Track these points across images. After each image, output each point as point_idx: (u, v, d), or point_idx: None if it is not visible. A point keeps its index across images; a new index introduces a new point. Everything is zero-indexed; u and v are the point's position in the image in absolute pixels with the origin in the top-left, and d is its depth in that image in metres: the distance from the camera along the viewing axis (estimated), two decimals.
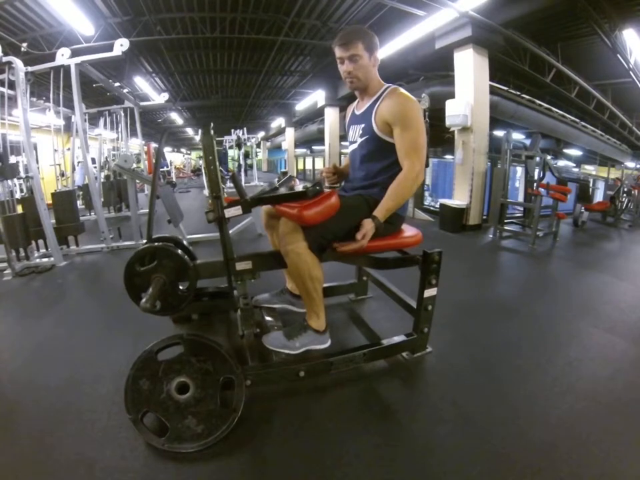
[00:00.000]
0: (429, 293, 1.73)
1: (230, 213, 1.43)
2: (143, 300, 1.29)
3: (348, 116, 1.86)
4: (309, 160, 17.98)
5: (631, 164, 11.92)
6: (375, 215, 1.51)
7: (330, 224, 1.50)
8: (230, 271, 1.54)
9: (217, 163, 1.39)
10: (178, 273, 1.47)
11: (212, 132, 1.38)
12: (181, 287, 1.51)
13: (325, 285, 1.93)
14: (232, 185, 1.55)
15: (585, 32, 5.58)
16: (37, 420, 1.44)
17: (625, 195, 6.40)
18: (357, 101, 1.80)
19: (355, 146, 1.73)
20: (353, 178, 1.78)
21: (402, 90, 1.59)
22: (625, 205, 6.44)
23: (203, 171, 11.22)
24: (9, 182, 3.49)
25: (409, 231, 1.76)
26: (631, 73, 6.26)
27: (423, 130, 1.56)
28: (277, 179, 1.61)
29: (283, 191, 1.52)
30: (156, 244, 1.49)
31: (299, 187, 1.56)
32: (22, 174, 3.83)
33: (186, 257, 1.49)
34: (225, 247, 1.50)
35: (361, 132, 1.67)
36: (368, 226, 1.48)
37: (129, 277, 1.46)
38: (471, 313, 2.44)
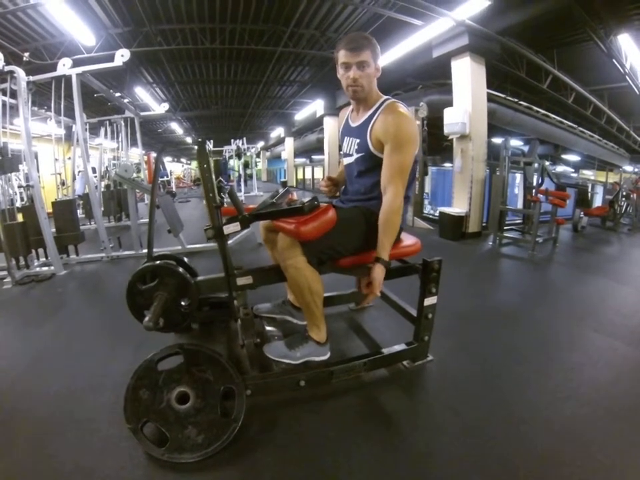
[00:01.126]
0: (429, 301, 1.73)
1: (229, 229, 1.44)
2: (146, 319, 1.30)
3: (341, 123, 1.81)
4: (308, 169, 18.05)
5: (629, 168, 11.97)
6: (379, 257, 1.49)
7: (328, 238, 1.49)
8: (231, 287, 1.54)
9: (214, 179, 1.40)
10: (179, 290, 1.49)
11: (208, 148, 1.40)
12: (182, 303, 1.52)
13: (325, 295, 1.93)
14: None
15: (580, 38, 5.65)
16: (37, 429, 1.43)
17: (623, 199, 6.43)
18: (350, 108, 1.75)
19: (350, 160, 1.69)
20: (350, 190, 1.77)
21: (399, 106, 1.55)
22: (624, 209, 6.46)
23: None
24: (10, 190, 3.51)
25: (407, 240, 1.76)
26: (626, 77, 6.32)
27: (414, 151, 1.53)
28: (277, 191, 1.62)
29: (281, 205, 1.53)
30: (157, 262, 1.50)
31: (297, 198, 1.57)
32: (22, 182, 3.85)
33: (187, 274, 1.50)
34: (225, 263, 1.50)
35: (356, 147, 1.64)
36: (376, 275, 1.47)
37: (131, 295, 1.48)
38: (471, 320, 2.43)
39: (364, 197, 1.67)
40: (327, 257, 1.55)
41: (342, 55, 1.51)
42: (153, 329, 1.30)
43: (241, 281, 1.57)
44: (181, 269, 1.49)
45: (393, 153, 1.49)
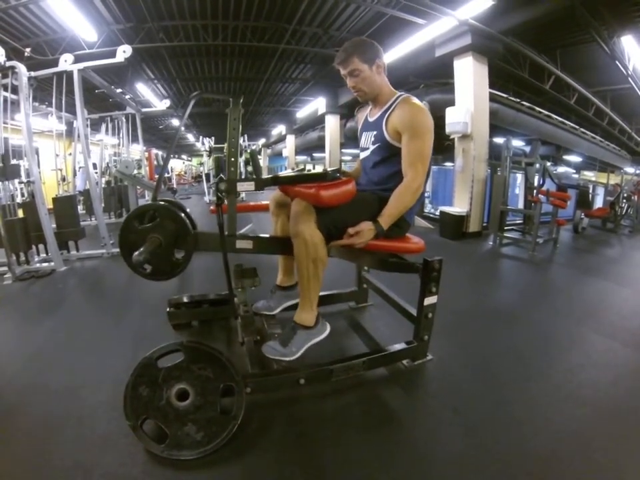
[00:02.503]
0: (429, 300, 1.73)
1: (243, 187, 1.43)
2: (136, 253, 1.27)
3: (360, 122, 1.87)
4: (309, 167, 18.00)
5: (630, 169, 11.96)
6: (377, 220, 1.51)
7: (342, 211, 1.50)
8: (228, 247, 1.52)
9: (240, 129, 1.43)
10: (176, 237, 1.46)
11: (240, 108, 1.42)
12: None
13: (325, 293, 1.94)
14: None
15: (583, 39, 5.63)
16: (36, 425, 1.43)
17: (624, 200, 6.42)
18: (369, 107, 1.82)
19: (367, 153, 1.74)
20: (365, 182, 1.78)
21: (414, 99, 1.61)
22: (624, 211, 6.45)
23: (204, 177, 11.18)
24: (10, 186, 3.50)
25: (413, 238, 1.75)
26: (629, 78, 6.30)
27: (430, 140, 1.57)
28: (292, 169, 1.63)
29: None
30: (160, 202, 1.47)
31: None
32: (23, 178, 3.84)
33: (187, 222, 1.48)
34: (230, 222, 1.49)
35: (373, 139, 1.69)
36: (365, 226, 1.48)
37: (125, 232, 1.44)
38: (471, 320, 2.44)
39: (378, 188, 1.68)
40: (336, 232, 1.53)
41: (339, 69, 1.64)
42: (140, 265, 1.27)
43: (240, 244, 1.55)
44: (182, 215, 1.47)
45: (411, 141, 1.54)
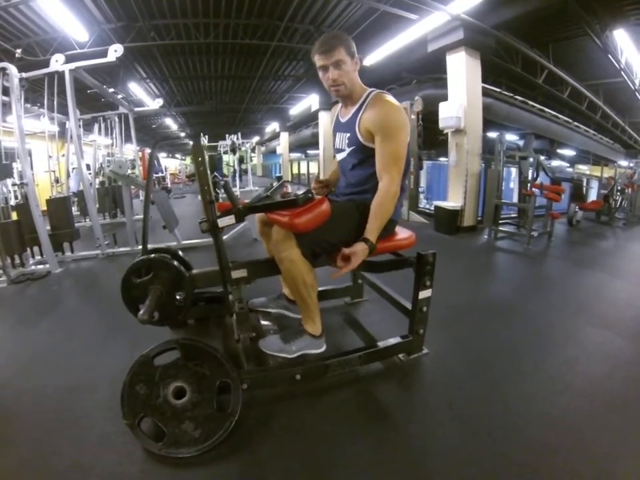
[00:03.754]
0: (424, 294, 1.74)
1: (223, 222, 1.43)
2: (141, 312, 1.30)
3: (333, 121, 1.83)
4: (303, 164, 17.98)
5: (623, 162, 12.01)
6: (366, 237, 1.47)
7: (322, 230, 1.49)
8: (226, 280, 1.54)
9: (208, 172, 1.40)
10: (174, 283, 1.48)
11: (203, 142, 1.40)
12: (177, 297, 1.52)
13: (321, 289, 1.94)
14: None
15: (576, 33, 5.65)
16: (34, 426, 1.43)
17: (618, 193, 6.45)
18: (339, 105, 1.77)
19: (343, 154, 1.70)
20: (344, 184, 1.77)
21: (386, 96, 1.56)
22: (618, 204, 6.49)
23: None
24: (4, 188, 3.48)
25: (402, 233, 1.76)
26: (622, 72, 6.33)
27: (405, 139, 1.53)
28: (271, 184, 1.62)
29: (275, 198, 1.53)
30: (152, 255, 1.50)
31: (292, 191, 1.57)
32: (17, 180, 3.81)
33: (181, 267, 1.50)
34: (220, 256, 1.50)
35: (347, 141, 1.65)
36: (358, 247, 1.44)
37: (126, 289, 1.47)
38: (466, 313, 2.45)
39: (357, 190, 1.67)
40: (321, 250, 1.55)
41: (317, 59, 1.53)
42: (147, 322, 1.30)
43: (235, 274, 1.57)
44: (175, 262, 1.49)
45: (384, 143, 1.50)
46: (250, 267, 1.61)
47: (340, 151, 1.73)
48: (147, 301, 1.37)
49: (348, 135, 1.64)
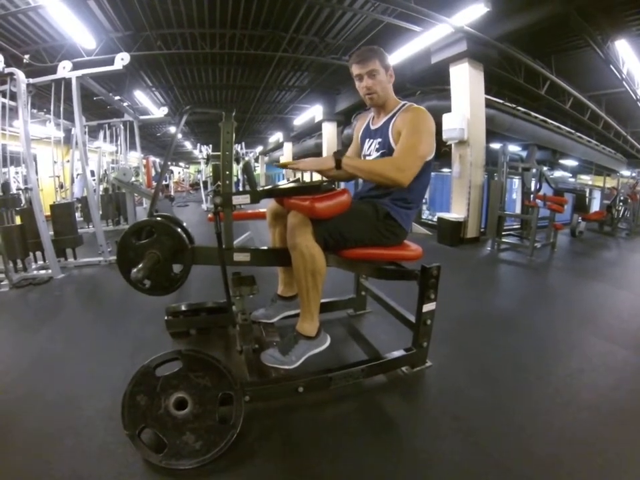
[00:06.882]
0: (428, 307, 1.73)
1: (238, 200, 1.43)
2: (134, 270, 1.27)
3: (361, 129, 1.89)
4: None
5: (626, 172, 12.02)
6: (341, 159, 1.55)
7: (338, 222, 1.51)
8: (226, 260, 1.52)
9: (233, 144, 1.43)
10: (174, 252, 1.45)
11: (232, 121, 1.42)
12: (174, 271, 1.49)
13: (324, 301, 1.93)
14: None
15: (578, 44, 5.69)
16: (33, 435, 1.41)
17: (621, 203, 6.45)
18: (371, 114, 1.84)
19: (369, 159, 1.75)
20: (367, 188, 1.79)
21: (418, 106, 1.65)
22: (621, 214, 6.48)
23: (202, 185, 11.16)
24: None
25: (411, 245, 1.76)
26: (624, 82, 6.35)
27: (428, 141, 1.58)
28: (287, 179, 1.64)
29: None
30: (156, 218, 1.46)
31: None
32: (21, 185, 3.82)
33: (184, 237, 1.47)
34: (226, 235, 1.48)
35: (377, 146, 1.71)
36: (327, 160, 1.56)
37: (122, 249, 1.43)
38: (470, 326, 2.43)
39: (379, 193, 1.69)
40: (333, 242, 1.54)
41: (354, 69, 1.66)
42: (139, 282, 1.27)
43: (237, 257, 1.55)
44: (179, 229, 1.47)
45: (407, 136, 1.56)
46: (254, 252, 1.60)
47: (368, 156, 1.79)
48: (142, 263, 1.33)
49: (379, 140, 1.71)
